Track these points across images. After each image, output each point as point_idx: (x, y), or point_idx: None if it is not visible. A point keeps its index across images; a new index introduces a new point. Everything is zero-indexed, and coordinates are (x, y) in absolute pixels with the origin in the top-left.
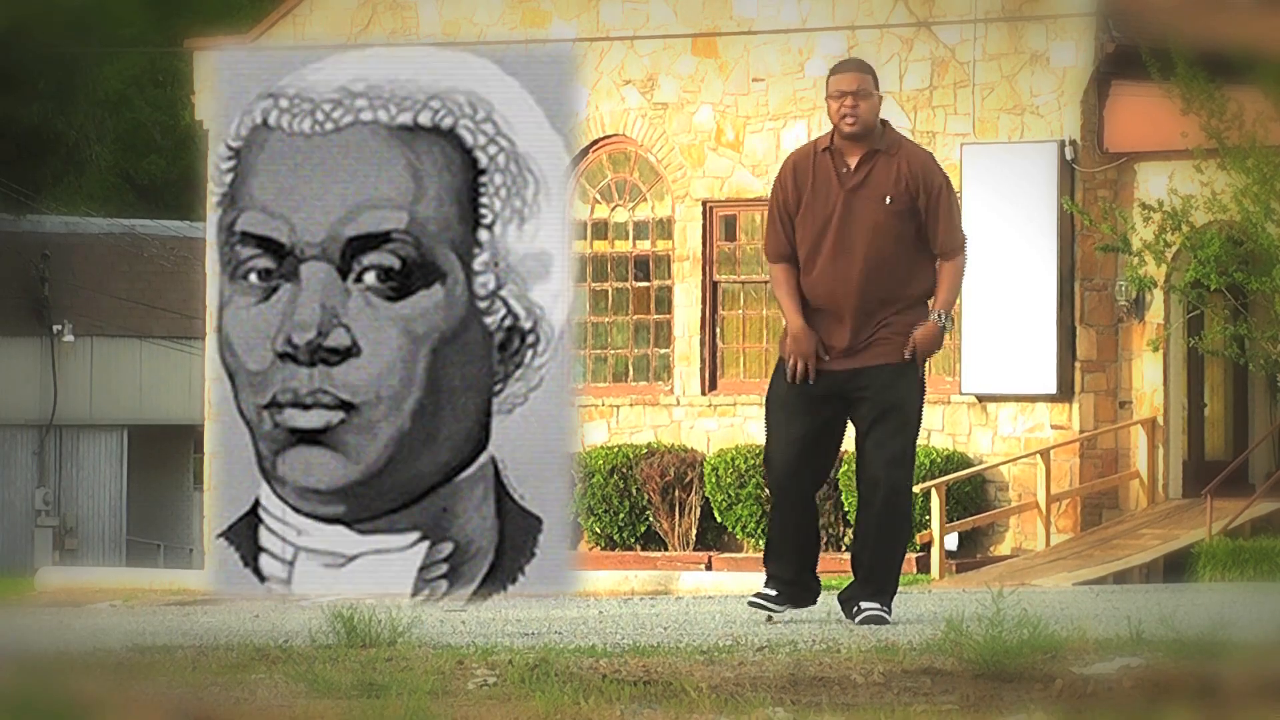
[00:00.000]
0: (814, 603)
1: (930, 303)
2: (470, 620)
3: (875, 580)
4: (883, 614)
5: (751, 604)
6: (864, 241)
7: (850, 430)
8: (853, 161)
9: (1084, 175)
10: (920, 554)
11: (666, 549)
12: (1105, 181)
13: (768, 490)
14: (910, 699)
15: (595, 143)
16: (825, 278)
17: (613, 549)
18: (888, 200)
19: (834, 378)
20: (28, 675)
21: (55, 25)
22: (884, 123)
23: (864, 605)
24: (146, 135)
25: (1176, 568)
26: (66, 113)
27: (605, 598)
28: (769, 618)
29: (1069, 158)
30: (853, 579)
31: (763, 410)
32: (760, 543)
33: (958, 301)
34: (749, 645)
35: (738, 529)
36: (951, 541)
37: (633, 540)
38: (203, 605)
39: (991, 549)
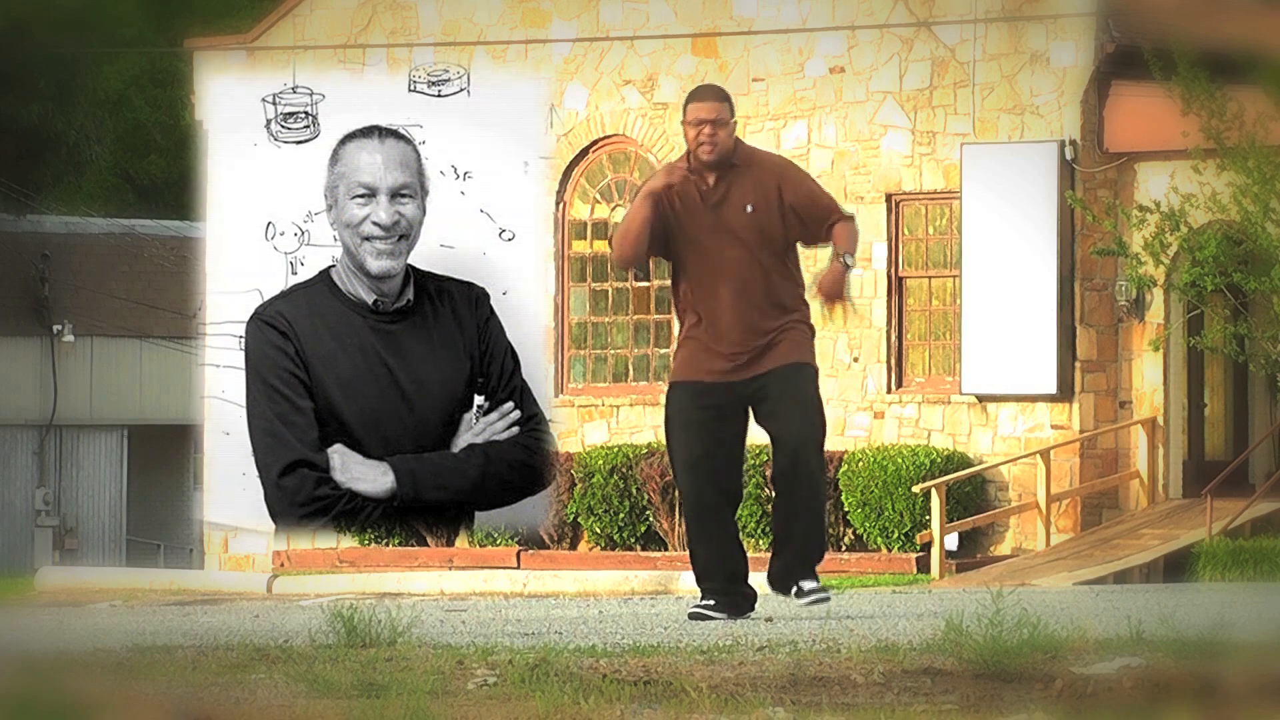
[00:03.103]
0: (752, 609)
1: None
2: (470, 620)
3: (811, 555)
4: (828, 593)
5: (693, 616)
6: (732, 252)
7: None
8: (711, 179)
9: (1084, 175)
10: (920, 554)
11: (666, 549)
12: (1105, 181)
13: (686, 512)
14: (910, 699)
15: (595, 143)
16: (706, 291)
17: (613, 549)
18: (749, 209)
19: (731, 389)
20: (28, 675)
21: (55, 25)
22: (737, 140)
23: (805, 586)
24: (146, 135)
25: (1176, 568)
26: (66, 113)
27: (605, 598)
28: (768, 618)
29: (1069, 158)
30: (779, 555)
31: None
32: (760, 543)
33: (957, 304)
34: (749, 645)
35: None
36: (951, 541)
37: (633, 540)
38: (203, 605)
39: (991, 549)
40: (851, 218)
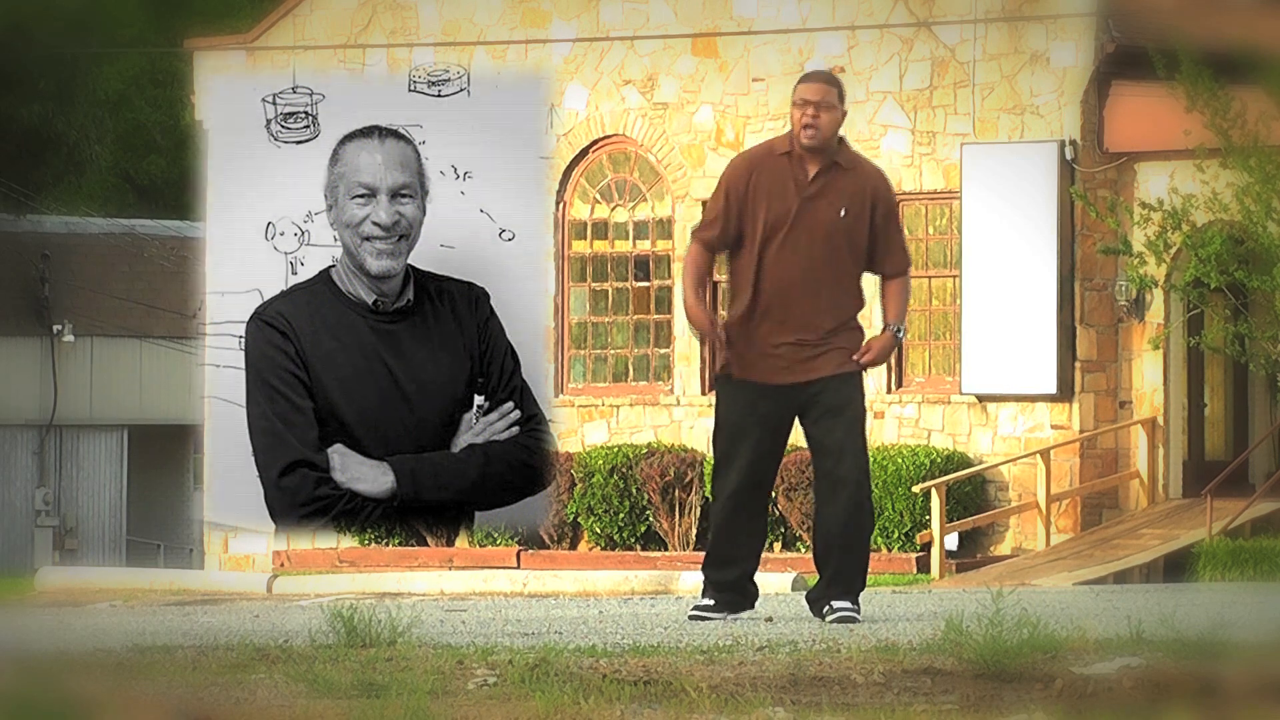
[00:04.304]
0: (752, 607)
1: (882, 318)
2: (470, 620)
3: (844, 579)
4: (854, 613)
5: (693, 617)
6: (814, 249)
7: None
8: (811, 170)
9: (1084, 175)
10: (920, 554)
11: (666, 549)
12: (1105, 181)
13: (718, 503)
14: (910, 699)
15: (595, 143)
16: (773, 279)
17: (613, 549)
18: (842, 213)
19: (786, 392)
20: (28, 675)
21: (55, 25)
22: (842, 139)
23: (835, 605)
24: (146, 135)
25: (1176, 568)
26: (66, 113)
27: (605, 598)
28: (768, 618)
29: (1069, 158)
30: (819, 578)
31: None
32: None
33: (957, 304)
34: (749, 645)
35: None
36: (951, 541)
37: (633, 540)
38: (203, 605)
39: (991, 549)
40: (907, 273)
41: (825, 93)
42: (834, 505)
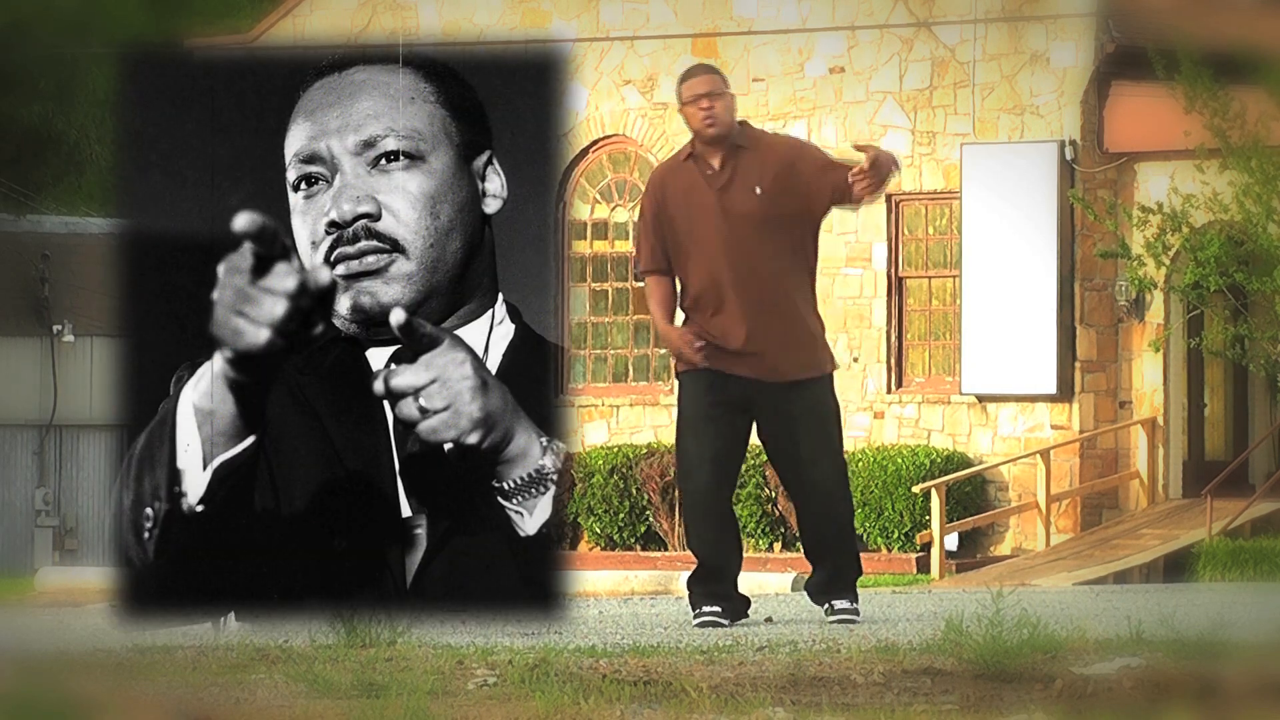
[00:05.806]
0: (747, 615)
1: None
2: (470, 620)
3: (845, 576)
4: (856, 613)
5: (704, 625)
6: (742, 234)
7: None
8: (716, 163)
9: (1084, 175)
10: (920, 554)
11: (666, 549)
12: (1105, 181)
13: (689, 511)
14: (910, 699)
15: (595, 143)
16: (712, 278)
17: (613, 549)
18: (757, 190)
19: (745, 385)
20: (28, 675)
21: (55, 25)
22: (743, 122)
23: (837, 605)
24: None
25: (1176, 568)
26: (66, 113)
27: (605, 598)
28: (768, 618)
29: (1069, 158)
30: (815, 572)
31: None
32: (760, 543)
33: (957, 304)
34: (749, 645)
35: None
36: (951, 541)
37: (633, 540)
38: None
39: (991, 549)
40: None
41: (713, 83)
42: (816, 505)
